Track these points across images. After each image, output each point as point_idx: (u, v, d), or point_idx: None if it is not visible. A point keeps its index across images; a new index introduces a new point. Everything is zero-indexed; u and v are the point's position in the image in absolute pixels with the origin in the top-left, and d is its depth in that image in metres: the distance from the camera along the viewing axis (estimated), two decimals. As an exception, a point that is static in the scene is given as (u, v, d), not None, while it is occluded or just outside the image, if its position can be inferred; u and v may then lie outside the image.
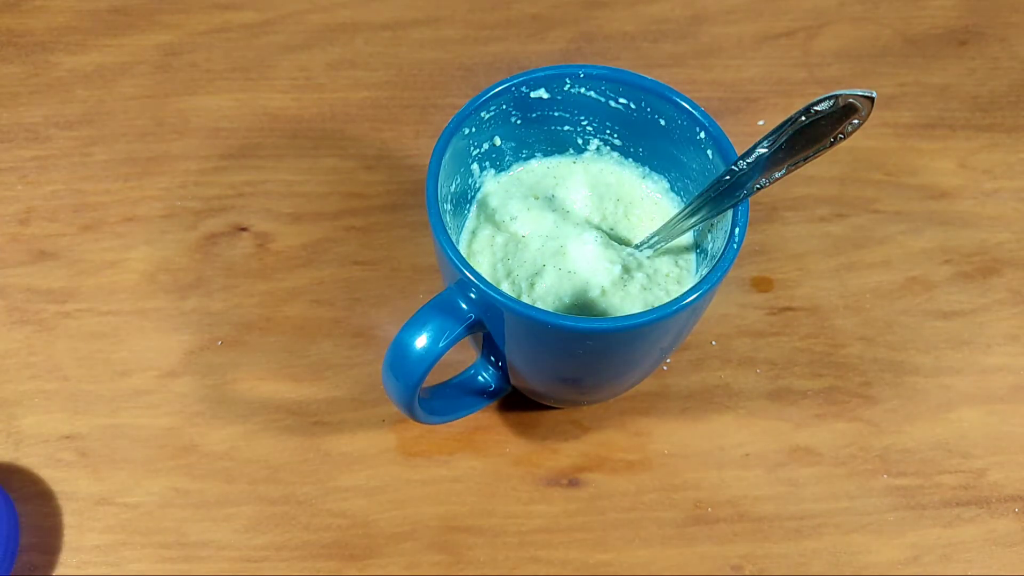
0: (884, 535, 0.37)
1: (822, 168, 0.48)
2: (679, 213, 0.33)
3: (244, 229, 0.45)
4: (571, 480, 0.38)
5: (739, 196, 0.30)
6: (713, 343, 0.42)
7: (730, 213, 0.31)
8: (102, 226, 0.45)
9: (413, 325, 0.30)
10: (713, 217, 0.31)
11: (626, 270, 0.34)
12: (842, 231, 0.46)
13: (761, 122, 0.50)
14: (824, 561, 0.36)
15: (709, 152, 0.33)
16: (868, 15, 0.56)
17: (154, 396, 0.40)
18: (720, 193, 0.31)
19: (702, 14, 0.54)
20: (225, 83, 0.51)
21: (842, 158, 0.49)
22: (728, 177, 0.30)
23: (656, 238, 0.34)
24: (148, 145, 0.48)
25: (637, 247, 0.34)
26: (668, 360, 0.41)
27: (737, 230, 0.30)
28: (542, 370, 0.34)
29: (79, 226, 0.45)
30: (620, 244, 0.35)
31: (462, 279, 0.29)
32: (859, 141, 0.49)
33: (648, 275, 0.34)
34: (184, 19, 0.54)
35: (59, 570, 0.36)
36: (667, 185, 0.36)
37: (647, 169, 0.37)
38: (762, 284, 0.44)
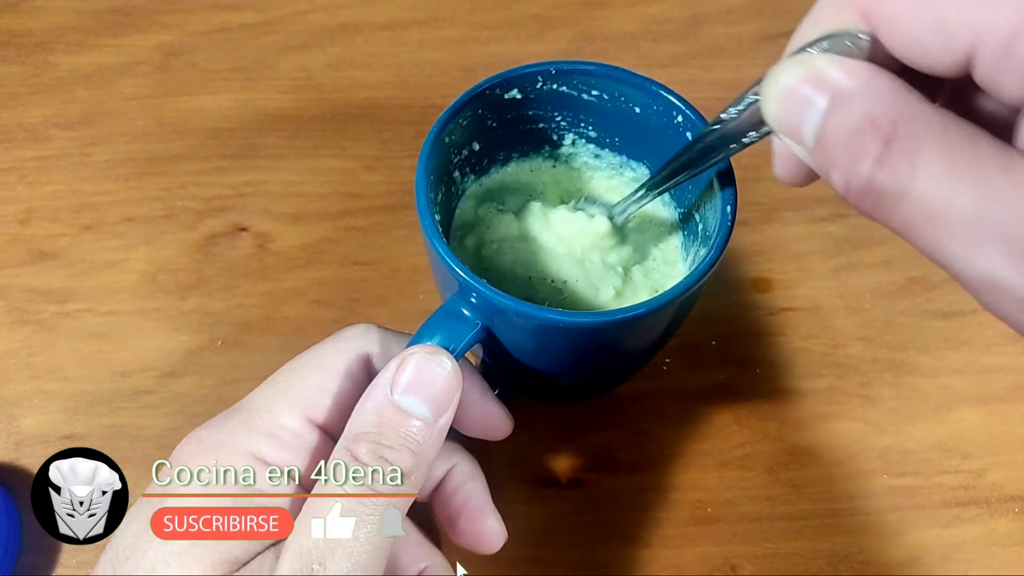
0: (884, 535, 0.37)
1: (822, 168, 0.48)
2: (657, 173, 0.31)
3: (244, 229, 0.45)
4: (571, 480, 0.38)
5: (726, 151, 0.27)
6: (713, 343, 0.42)
7: (719, 193, 0.31)
8: (102, 226, 0.45)
9: (422, 337, 0.29)
10: (694, 175, 0.29)
11: (625, 274, 0.34)
12: (842, 231, 0.46)
13: (761, 122, 0.50)
14: (823, 561, 0.36)
15: (688, 135, 0.33)
16: (868, 15, 0.56)
17: (154, 396, 0.40)
18: (705, 147, 0.27)
19: (702, 14, 0.54)
20: (225, 83, 0.51)
21: (842, 158, 0.49)
22: (717, 127, 0.27)
23: (630, 201, 0.33)
24: (148, 145, 0.48)
25: (611, 215, 0.34)
26: (668, 360, 0.41)
27: (729, 207, 0.30)
28: (552, 370, 0.34)
29: (79, 226, 0.45)
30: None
31: (464, 285, 0.29)
32: (859, 141, 0.49)
33: (636, 263, 0.34)
34: (184, 19, 0.54)
35: (59, 570, 0.36)
36: (646, 172, 0.36)
37: (625, 158, 0.37)
38: (762, 284, 0.44)
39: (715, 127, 0.27)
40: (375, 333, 0.29)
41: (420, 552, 0.29)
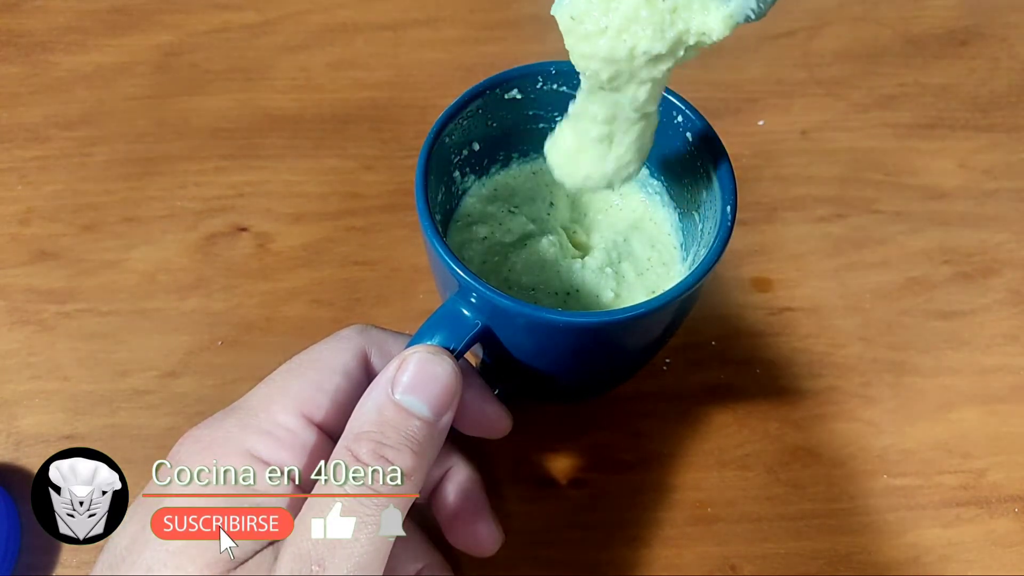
0: (884, 535, 0.37)
1: (822, 168, 0.48)
2: None
3: (244, 229, 0.45)
4: (571, 480, 0.38)
5: None
6: (713, 343, 0.42)
7: (719, 193, 0.31)
8: (102, 226, 0.45)
9: (422, 337, 0.29)
10: None
11: (617, 278, 0.34)
12: (842, 231, 0.46)
13: (761, 122, 0.50)
14: (823, 561, 0.36)
15: (688, 135, 0.33)
16: (868, 15, 0.56)
17: (154, 396, 0.40)
18: None
19: (702, 14, 0.54)
20: (225, 83, 0.51)
21: (842, 158, 0.49)
22: None
23: None
24: (148, 145, 0.48)
25: None
26: (668, 360, 0.41)
27: (729, 208, 0.30)
28: (552, 370, 0.34)
29: (79, 226, 0.45)
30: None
31: (464, 285, 0.29)
32: (859, 141, 0.49)
33: (632, 263, 0.34)
34: (184, 19, 0.54)
35: (59, 570, 0.36)
36: (646, 172, 0.36)
37: None
38: (762, 284, 0.44)
39: None
40: (373, 333, 0.29)
41: (418, 551, 0.29)
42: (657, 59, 0.25)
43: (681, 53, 0.26)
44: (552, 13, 0.26)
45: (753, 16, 0.25)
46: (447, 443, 0.29)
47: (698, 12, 0.25)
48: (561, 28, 0.26)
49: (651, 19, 0.25)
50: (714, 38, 0.25)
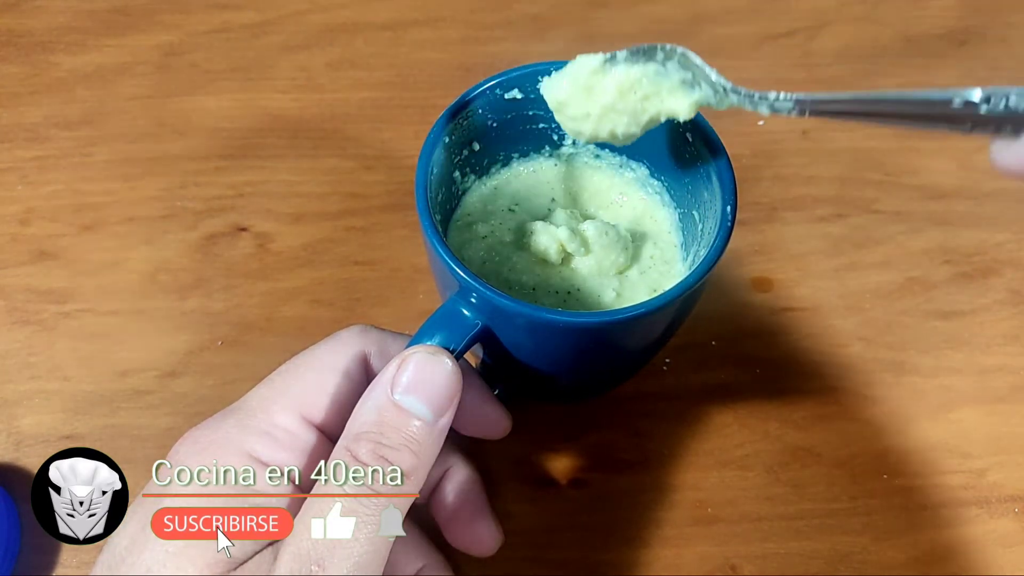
0: (884, 535, 0.37)
1: (822, 168, 0.48)
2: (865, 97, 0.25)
3: (244, 229, 0.45)
4: (571, 480, 0.38)
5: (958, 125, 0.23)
6: (713, 343, 0.42)
7: (719, 193, 0.31)
8: (102, 226, 0.45)
9: (422, 337, 0.29)
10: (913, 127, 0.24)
11: (620, 277, 0.34)
12: (842, 231, 0.46)
13: (761, 122, 0.50)
14: (824, 561, 0.36)
15: (688, 135, 0.33)
16: (868, 15, 0.56)
17: (154, 396, 0.40)
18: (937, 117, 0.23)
19: (702, 14, 0.54)
20: (225, 83, 0.51)
21: (842, 158, 0.49)
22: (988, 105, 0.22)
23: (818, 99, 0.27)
24: (148, 145, 0.48)
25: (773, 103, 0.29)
26: (668, 360, 0.41)
27: (729, 208, 0.30)
28: (552, 370, 0.34)
29: (79, 226, 0.45)
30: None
31: (464, 285, 0.29)
32: (859, 141, 0.49)
33: (635, 261, 0.34)
34: (184, 19, 0.54)
35: (59, 570, 0.36)
36: (646, 172, 0.36)
37: (624, 158, 0.37)
38: (762, 284, 0.44)
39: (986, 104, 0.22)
40: (373, 333, 0.29)
41: (417, 551, 0.29)
42: (634, 134, 0.30)
43: (654, 127, 0.30)
44: (541, 92, 0.31)
45: (713, 104, 0.29)
46: (447, 443, 0.29)
47: (667, 98, 0.29)
48: (550, 106, 0.31)
49: (626, 109, 0.29)
50: (681, 119, 0.29)
